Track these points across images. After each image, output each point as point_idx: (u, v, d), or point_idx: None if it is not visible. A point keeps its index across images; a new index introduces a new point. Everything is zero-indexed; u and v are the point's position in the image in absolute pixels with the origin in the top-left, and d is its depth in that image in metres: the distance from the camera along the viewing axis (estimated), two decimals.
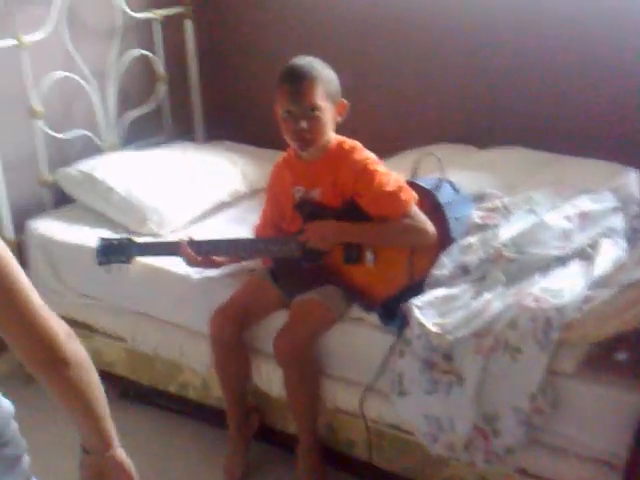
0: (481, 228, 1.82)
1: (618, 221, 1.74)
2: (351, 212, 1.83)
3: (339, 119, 1.85)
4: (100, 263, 1.96)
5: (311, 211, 1.87)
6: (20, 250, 2.41)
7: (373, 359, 1.69)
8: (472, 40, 2.58)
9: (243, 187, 2.60)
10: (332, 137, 1.86)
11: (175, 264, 2.05)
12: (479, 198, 2.06)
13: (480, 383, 1.51)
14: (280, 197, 1.97)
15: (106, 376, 2.28)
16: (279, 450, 2.06)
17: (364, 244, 1.82)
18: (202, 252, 1.90)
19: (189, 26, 3.01)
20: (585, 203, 1.80)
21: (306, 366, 1.78)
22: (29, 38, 2.32)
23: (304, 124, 1.75)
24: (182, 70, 3.08)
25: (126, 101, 2.90)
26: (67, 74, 2.52)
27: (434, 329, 1.51)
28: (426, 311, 1.56)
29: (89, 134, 2.67)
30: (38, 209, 2.54)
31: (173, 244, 1.95)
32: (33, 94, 2.39)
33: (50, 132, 2.49)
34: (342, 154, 1.83)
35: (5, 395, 1.05)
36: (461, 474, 1.71)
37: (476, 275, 1.65)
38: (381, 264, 1.81)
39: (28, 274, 2.30)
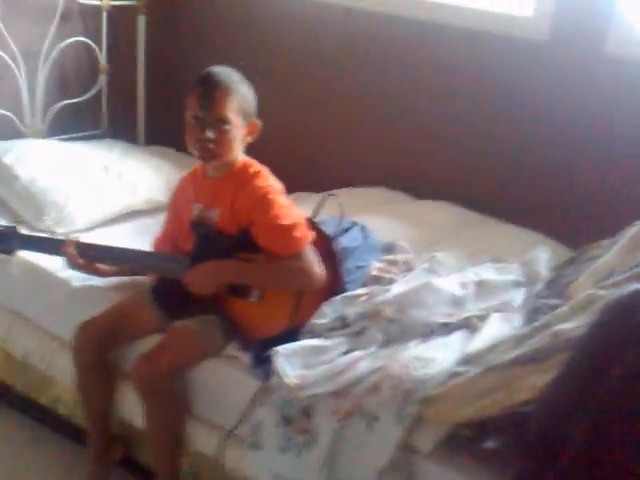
0: (375, 280, 1.72)
1: (518, 296, 1.65)
2: (245, 242, 1.72)
3: (249, 139, 1.76)
4: None
5: (205, 233, 1.76)
6: None
7: (239, 403, 1.56)
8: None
9: (163, 197, 2.47)
10: (239, 157, 1.76)
11: (59, 266, 1.92)
12: (388, 249, 1.97)
13: (333, 448, 1.40)
14: (180, 212, 1.86)
15: None
16: None
17: (251, 285, 1.71)
18: (87, 256, 1.79)
19: (142, 21, 2.91)
20: (488, 272, 1.72)
21: (167, 398, 1.65)
22: None
23: (210, 134, 1.66)
24: (128, 66, 2.97)
25: (61, 89, 2.78)
26: None
27: (293, 381, 1.40)
28: (292, 360, 1.45)
29: (11, 116, 2.54)
30: None
31: (57, 242, 1.84)
32: None
33: None
34: (245, 177, 1.74)
35: None
36: None
37: (353, 329, 1.54)
38: (266, 302, 1.70)
39: None
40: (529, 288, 1.69)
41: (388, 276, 1.74)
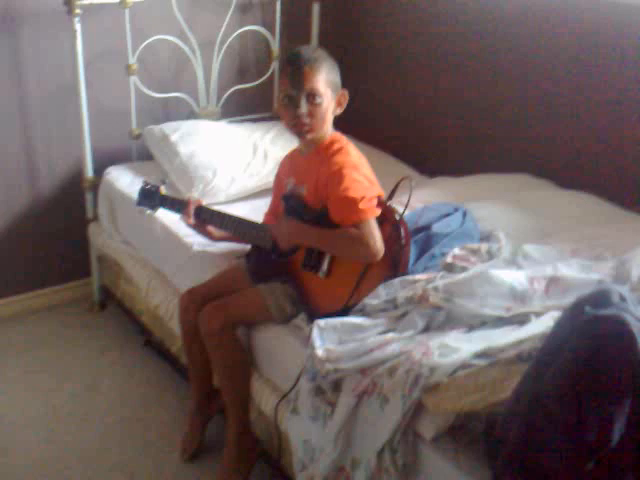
0: (448, 268, 1.66)
1: None
2: (325, 218, 1.77)
3: (338, 110, 1.81)
4: (137, 204, 2.13)
5: (293, 205, 1.85)
6: (97, 191, 2.70)
7: (294, 370, 1.64)
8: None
9: None
10: (329, 132, 1.81)
11: (186, 231, 2.16)
12: (485, 237, 1.87)
13: (350, 423, 1.40)
14: (280, 187, 1.98)
15: (138, 322, 2.52)
16: None
17: (317, 249, 1.76)
18: (200, 218, 1.98)
19: (316, 9, 3.06)
20: (569, 268, 1.55)
21: (225, 346, 1.78)
22: None
23: (304, 108, 1.73)
24: None
25: (235, 74, 3.05)
26: (169, 38, 2.72)
27: (319, 354, 1.43)
28: (327, 334, 1.47)
29: (186, 98, 2.86)
30: (127, 159, 2.81)
31: (183, 202, 2.05)
32: (131, 52, 2.62)
33: (144, 90, 2.71)
34: (329, 153, 1.79)
35: None
36: None
37: (399, 312, 1.51)
38: (331, 278, 1.74)
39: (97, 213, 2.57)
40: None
41: (462, 264, 1.65)
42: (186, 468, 2.05)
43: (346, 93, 1.81)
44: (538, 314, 1.42)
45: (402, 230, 1.68)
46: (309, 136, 1.79)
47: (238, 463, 1.87)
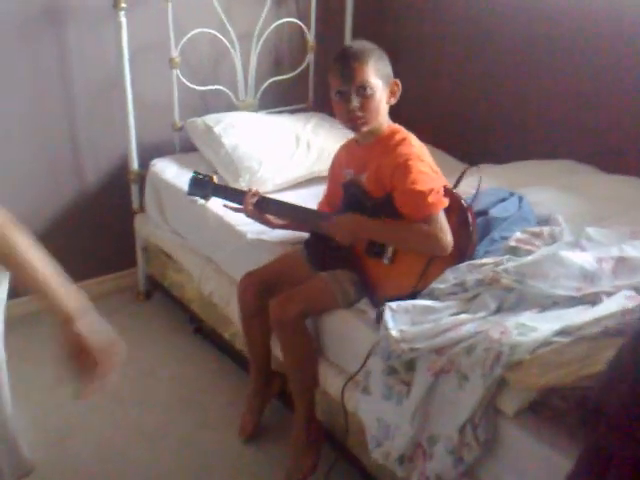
0: (512, 251, 1.70)
1: None
2: (388, 206, 1.81)
3: (392, 100, 1.83)
4: (188, 193, 2.18)
5: (353, 193, 1.89)
6: (142, 183, 2.75)
7: (362, 353, 1.68)
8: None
9: None
10: (385, 122, 1.85)
11: (240, 220, 2.20)
12: (543, 221, 1.91)
13: (426, 401, 1.45)
14: (336, 178, 2.02)
15: (187, 310, 2.57)
16: None
17: (383, 242, 1.80)
18: (260, 207, 2.03)
19: (350, 1, 3.09)
20: (635, 249, 1.59)
21: (297, 338, 1.83)
22: None
23: (356, 102, 1.76)
24: (334, 44, 3.18)
25: (272, 66, 3.09)
26: (210, 31, 2.76)
27: (394, 334, 1.48)
28: (399, 316, 1.52)
29: (226, 91, 2.91)
30: (170, 151, 2.85)
31: (240, 192, 2.09)
32: (174, 45, 2.66)
33: (186, 82, 2.75)
34: (391, 144, 1.81)
35: None
36: None
37: (470, 294, 1.56)
38: (396, 264, 1.78)
39: (143, 205, 2.64)
40: None
41: (526, 247, 1.69)
42: (245, 448, 2.11)
43: (399, 82, 1.83)
44: (609, 293, 1.46)
45: (469, 217, 1.72)
46: (364, 129, 1.82)
47: (308, 447, 1.92)
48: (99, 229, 2.87)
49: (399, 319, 1.52)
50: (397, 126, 1.87)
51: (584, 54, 2.48)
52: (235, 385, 2.37)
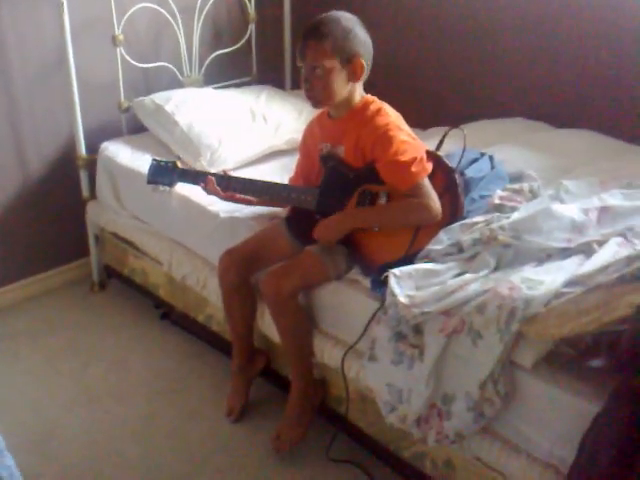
0: (497, 209, 1.74)
1: None
2: (370, 174, 1.81)
3: (355, 79, 1.79)
4: (148, 182, 2.10)
5: (333, 166, 1.88)
6: (91, 168, 2.63)
7: (359, 322, 1.69)
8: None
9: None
10: (357, 95, 1.83)
11: (210, 200, 2.15)
12: (516, 178, 1.96)
13: (439, 362, 1.48)
14: (309, 152, 1.99)
15: (152, 296, 2.49)
16: (281, 392, 2.12)
17: (367, 202, 1.81)
18: (229, 188, 1.98)
19: None
20: (614, 198, 1.66)
21: (292, 313, 1.82)
22: None
23: (307, 83, 1.78)
24: (274, 15, 3.13)
25: (215, 40, 3.00)
26: (151, 6, 2.65)
27: (403, 300, 1.49)
28: (403, 282, 1.53)
29: (171, 67, 2.80)
30: (116, 133, 2.73)
31: (204, 174, 2.04)
32: (116, 23, 2.53)
33: (130, 60, 2.63)
34: (367, 115, 1.81)
35: None
36: (431, 454, 1.70)
37: (467, 254, 1.59)
38: (386, 231, 1.79)
39: (95, 191, 2.54)
40: None
41: (510, 204, 1.74)
42: (236, 428, 2.08)
43: (364, 62, 1.77)
44: (599, 242, 1.53)
45: (457, 178, 1.74)
46: (318, 107, 1.85)
47: (301, 415, 1.92)
48: (46, 220, 2.72)
49: (404, 285, 1.53)
50: (370, 97, 1.86)
51: (524, 7, 2.54)
52: (215, 367, 2.33)
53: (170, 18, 2.73)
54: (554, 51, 2.51)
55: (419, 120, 2.83)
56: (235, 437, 2.06)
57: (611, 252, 1.45)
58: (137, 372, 2.34)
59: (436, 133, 2.50)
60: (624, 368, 1.12)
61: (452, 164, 1.85)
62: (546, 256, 1.54)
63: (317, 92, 1.78)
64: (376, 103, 1.84)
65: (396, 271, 1.56)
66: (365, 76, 1.83)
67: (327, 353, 1.83)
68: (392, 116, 1.82)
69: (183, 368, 2.35)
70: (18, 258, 2.70)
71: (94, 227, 2.71)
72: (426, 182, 1.72)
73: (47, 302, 2.73)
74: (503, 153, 2.14)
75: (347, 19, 1.76)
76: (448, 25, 2.79)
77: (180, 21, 2.76)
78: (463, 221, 1.68)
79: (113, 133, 2.72)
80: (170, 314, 2.56)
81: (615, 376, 1.18)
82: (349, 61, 1.75)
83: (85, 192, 2.68)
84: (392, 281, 1.53)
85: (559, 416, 1.36)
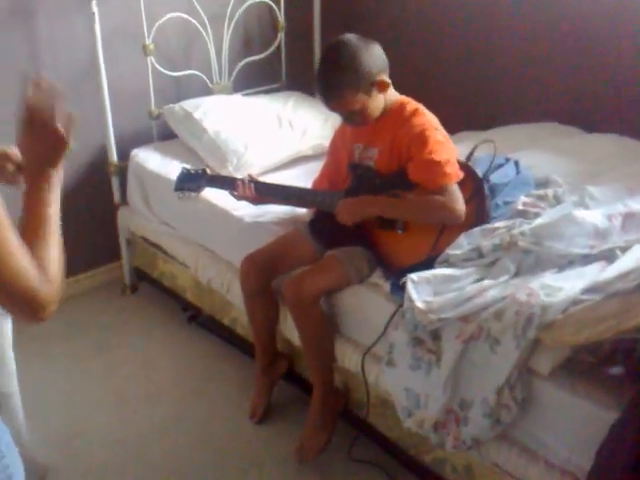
0: (521, 214, 1.73)
1: None
2: (398, 180, 1.82)
3: (384, 93, 1.81)
4: (175, 189, 2.13)
5: (361, 173, 1.89)
6: (123, 175, 2.69)
7: (379, 325, 1.69)
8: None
9: (328, 143, 2.63)
10: (392, 97, 1.85)
11: (235, 205, 2.18)
12: (542, 183, 1.95)
13: (456, 368, 1.47)
14: (340, 153, 2.01)
15: (180, 299, 2.54)
16: (304, 395, 2.13)
17: (394, 218, 1.81)
18: (257, 192, 2.00)
19: None
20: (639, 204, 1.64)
21: (314, 317, 1.83)
22: None
23: (348, 120, 1.85)
24: (304, 22, 3.16)
25: (244, 47, 3.04)
26: (181, 15, 2.70)
27: (420, 305, 1.49)
28: (421, 287, 1.53)
29: (201, 75, 2.85)
30: (148, 140, 2.79)
31: (233, 180, 2.06)
32: (146, 32, 2.59)
33: (160, 69, 2.69)
34: (404, 115, 1.82)
35: None
36: (451, 459, 1.69)
37: (488, 260, 1.58)
38: (409, 234, 1.80)
39: (126, 197, 2.59)
40: None
41: (534, 210, 1.72)
42: (259, 430, 2.11)
43: (385, 79, 1.78)
44: (622, 249, 1.51)
45: (485, 188, 1.74)
46: (367, 125, 1.86)
47: (323, 423, 1.93)
48: (79, 224, 2.77)
49: (422, 290, 1.53)
50: (406, 98, 1.87)
51: (559, 15, 2.51)
52: (239, 370, 2.36)
53: (200, 27, 2.77)
54: (590, 55, 2.47)
55: (450, 123, 2.83)
56: (258, 438, 2.08)
57: (634, 259, 1.43)
58: (164, 374, 2.38)
59: (466, 137, 2.51)
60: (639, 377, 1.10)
61: (479, 170, 1.85)
62: (568, 262, 1.52)
63: (360, 122, 1.83)
64: (412, 104, 1.85)
65: (414, 276, 1.56)
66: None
67: (347, 357, 1.84)
68: (428, 116, 1.82)
69: (209, 370, 2.38)
70: None
71: (125, 232, 2.77)
72: (455, 186, 1.73)
73: (80, 304, 2.79)
74: (531, 158, 2.13)
75: (348, 52, 1.72)
76: (483, 28, 2.77)
77: (210, 29, 2.80)
78: (484, 226, 1.67)
79: (145, 140, 2.78)
80: (197, 317, 2.60)
81: (632, 385, 1.17)
82: (372, 85, 1.77)
83: (117, 198, 2.74)
84: (409, 286, 1.53)
85: (576, 423, 1.34)
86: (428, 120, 1.79)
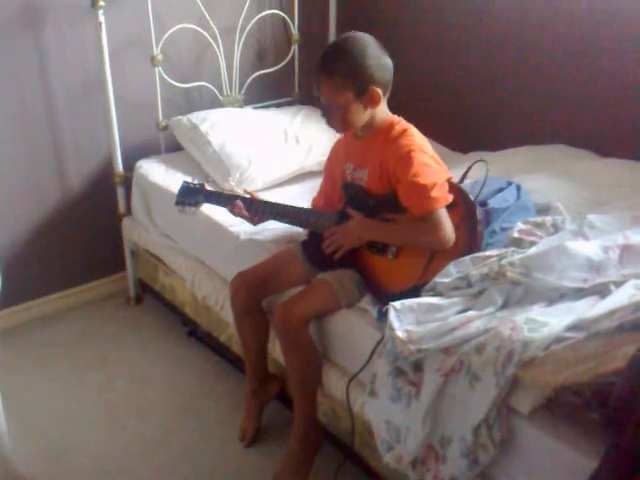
0: (516, 243, 1.66)
1: None
2: (390, 202, 1.76)
3: (371, 107, 1.75)
4: (175, 203, 2.10)
5: (354, 193, 1.85)
6: (128, 185, 2.68)
7: (366, 352, 1.64)
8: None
9: None
10: (383, 116, 1.79)
11: (232, 221, 2.15)
12: (543, 210, 1.88)
13: (437, 401, 1.41)
14: (335, 171, 1.97)
15: (179, 313, 2.52)
16: None
17: (387, 243, 1.77)
18: (252, 210, 1.96)
19: None
20: (639, 235, 1.55)
21: (301, 342, 1.78)
22: None
23: (325, 116, 1.79)
24: (318, 35, 3.13)
25: (256, 59, 3.02)
26: (191, 26, 2.69)
27: (400, 335, 1.43)
28: (404, 315, 1.48)
29: (211, 87, 2.84)
30: (155, 151, 2.78)
31: (231, 197, 2.03)
32: (155, 43, 2.59)
33: (169, 80, 2.68)
34: (391, 136, 1.76)
35: None
36: None
37: (475, 290, 1.51)
38: (400, 259, 1.74)
39: (130, 208, 2.57)
40: None
41: (530, 238, 1.65)
42: (248, 453, 2.06)
43: (379, 90, 1.72)
44: (617, 283, 1.43)
45: (478, 214, 1.67)
46: (341, 133, 1.88)
47: (299, 463, 1.88)
48: (85, 234, 2.80)
49: (404, 319, 1.47)
50: (397, 117, 1.82)
51: (574, 37, 2.44)
52: (234, 389, 2.32)
53: (210, 39, 2.76)
54: (606, 77, 2.38)
55: (462, 143, 2.78)
56: (245, 462, 2.04)
57: (625, 295, 1.35)
58: (158, 389, 2.35)
59: (475, 158, 2.43)
60: (613, 424, 1.03)
61: (474, 193, 1.79)
62: (559, 296, 1.45)
63: (336, 124, 1.78)
64: (402, 124, 1.79)
65: (397, 304, 1.50)
66: (386, 97, 1.79)
67: (334, 384, 1.79)
68: (417, 137, 1.76)
69: (203, 387, 2.35)
70: (57, 270, 2.78)
71: (130, 242, 2.77)
72: (442, 211, 1.66)
73: (84, 314, 2.80)
74: (537, 182, 2.06)
75: (360, 46, 1.71)
76: (498, 47, 2.70)
77: (221, 41, 2.79)
78: (476, 254, 1.60)
79: (152, 151, 2.78)
80: (196, 332, 2.58)
81: (606, 435, 1.09)
82: (364, 91, 1.71)
83: (122, 208, 2.74)
84: (391, 315, 1.48)
85: (555, 468, 1.27)
86: (415, 142, 1.72)
